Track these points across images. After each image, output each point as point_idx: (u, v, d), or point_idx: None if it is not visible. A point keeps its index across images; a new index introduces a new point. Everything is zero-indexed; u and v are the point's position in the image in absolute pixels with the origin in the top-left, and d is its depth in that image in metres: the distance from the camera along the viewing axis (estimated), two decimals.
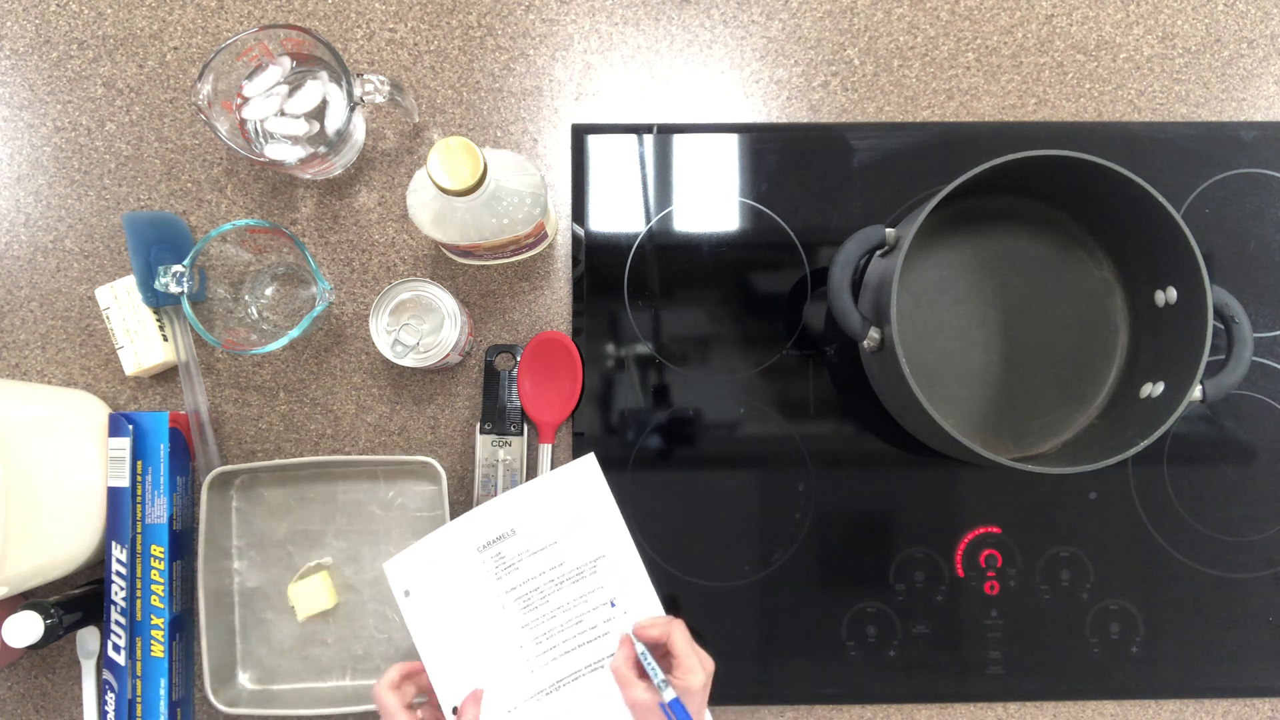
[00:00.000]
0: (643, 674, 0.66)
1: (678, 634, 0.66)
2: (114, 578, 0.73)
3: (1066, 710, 0.79)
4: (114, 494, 0.73)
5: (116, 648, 0.73)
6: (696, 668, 0.64)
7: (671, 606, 0.78)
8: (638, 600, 0.70)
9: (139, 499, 0.73)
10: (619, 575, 0.70)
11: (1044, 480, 0.79)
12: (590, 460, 0.71)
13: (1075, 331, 0.77)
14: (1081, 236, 0.77)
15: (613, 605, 0.70)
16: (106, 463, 0.73)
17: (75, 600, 0.72)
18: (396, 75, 0.81)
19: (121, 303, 0.77)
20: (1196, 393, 0.66)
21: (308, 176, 0.79)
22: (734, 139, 0.81)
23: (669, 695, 0.63)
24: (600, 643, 0.69)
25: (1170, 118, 0.83)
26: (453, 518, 0.72)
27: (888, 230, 0.69)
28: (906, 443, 0.78)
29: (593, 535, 0.70)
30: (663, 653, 0.67)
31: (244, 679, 0.77)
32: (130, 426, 0.73)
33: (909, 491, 0.79)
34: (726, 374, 0.80)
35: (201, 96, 0.71)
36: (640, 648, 0.67)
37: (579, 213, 0.81)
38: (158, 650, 0.73)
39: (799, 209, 0.81)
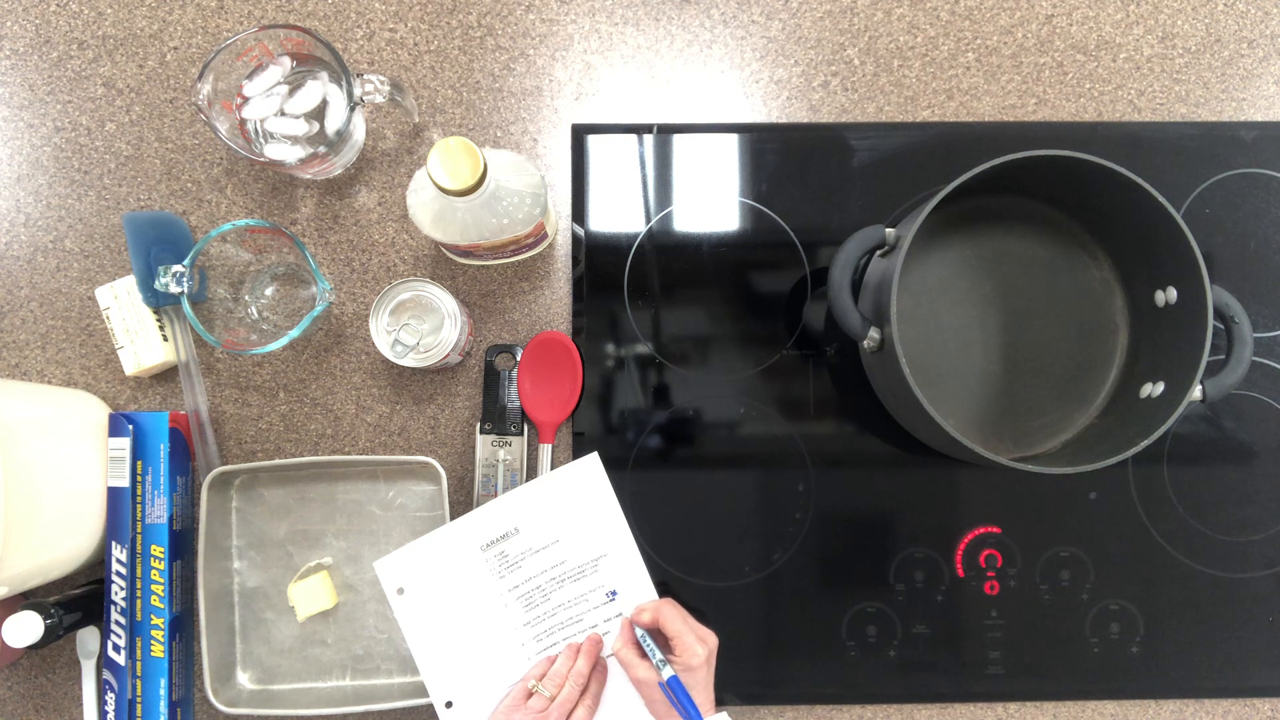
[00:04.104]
0: (644, 654, 0.66)
1: (668, 614, 0.66)
2: (114, 578, 0.73)
3: (1066, 710, 0.79)
4: (114, 494, 0.73)
5: (116, 648, 0.73)
6: (694, 645, 0.64)
7: None
8: (638, 597, 0.70)
9: (139, 499, 0.73)
10: (620, 574, 0.70)
11: (1044, 480, 0.79)
12: (593, 459, 0.71)
13: (1075, 331, 0.77)
14: (1081, 236, 0.77)
15: (612, 597, 0.70)
16: (106, 463, 0.73)
17: (75, 600, 0.72)
18: (396, 75, 0.81)
19: (121, 303, 0.77)
20: (1196, 393, 0.66)
21: (308, 176, 0.79)
22: (734, 139, 0.81)
23: (667, 674, 0.63)
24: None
25: (1170, 118, 0.83)
26: (453, 518, 0.72)
27: (888, 230, 0.69)
28: (906, 443, 0.78)
29: (595, 534, 0.71)
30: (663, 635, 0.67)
31: (244, 679, 0.76)
32: (130, 426, 0.73)
33: (909, 491, 0.79)
34: (726, 374, 0.80)
35: (201, 96, 0.71)
36: (639, 630, 0.67)
37: (579, 213, 0.81)
38: (158, 650, 0.73)
39: (799, 209, 0.81)
